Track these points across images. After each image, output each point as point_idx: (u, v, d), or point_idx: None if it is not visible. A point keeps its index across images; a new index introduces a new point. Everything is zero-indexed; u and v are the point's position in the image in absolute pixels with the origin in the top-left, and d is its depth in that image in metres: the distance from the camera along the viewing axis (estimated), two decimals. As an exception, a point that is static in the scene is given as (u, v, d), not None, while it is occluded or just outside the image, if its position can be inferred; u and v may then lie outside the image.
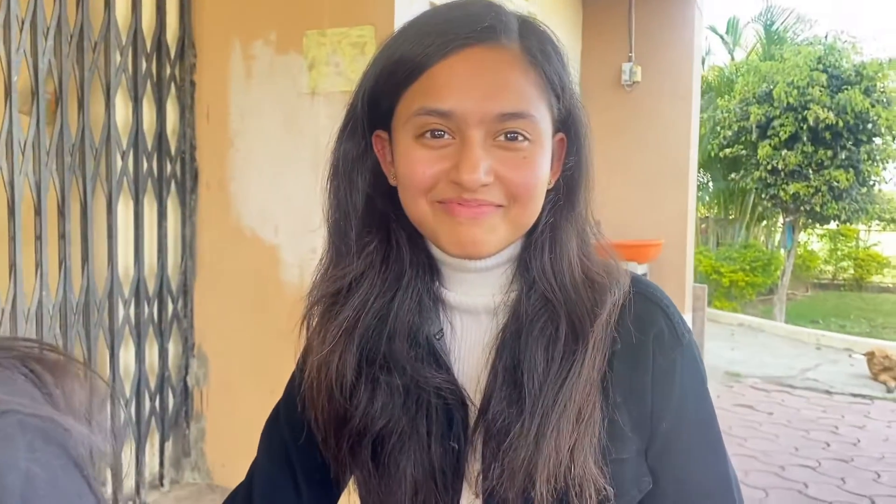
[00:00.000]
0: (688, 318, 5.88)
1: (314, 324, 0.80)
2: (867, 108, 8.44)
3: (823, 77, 8.66)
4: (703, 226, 12.80)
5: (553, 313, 0.72)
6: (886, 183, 9.77)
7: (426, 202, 0.71)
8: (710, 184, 12.05)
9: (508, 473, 0.70)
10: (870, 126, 8.69)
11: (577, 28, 5.63)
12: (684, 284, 5.74)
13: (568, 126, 0.75)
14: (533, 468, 0.69)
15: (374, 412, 0.74)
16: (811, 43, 10.76)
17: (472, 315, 0.78)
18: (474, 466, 0.75)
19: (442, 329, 0.77)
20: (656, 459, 0.75)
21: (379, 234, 0.76)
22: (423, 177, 0.70)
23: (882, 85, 8.78)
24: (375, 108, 0.74)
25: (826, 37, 10.37)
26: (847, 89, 8.56)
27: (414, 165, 0.70)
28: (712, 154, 10.30)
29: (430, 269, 0.78)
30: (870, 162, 8.92)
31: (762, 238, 13.24)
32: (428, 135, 0.69)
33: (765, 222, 12.95)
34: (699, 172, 9.57)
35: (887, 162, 9.17)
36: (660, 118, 5.54)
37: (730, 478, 0.77)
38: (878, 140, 9.02)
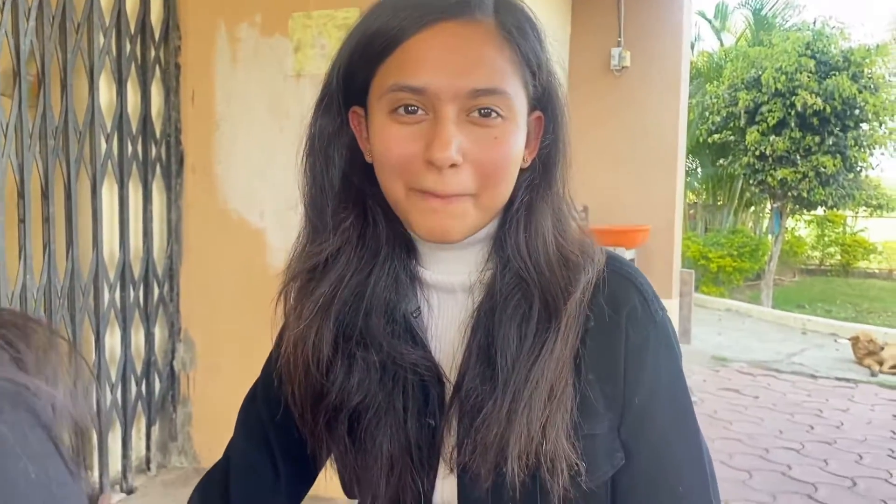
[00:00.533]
0: (675, 303, 5.91)
1: (291, 300, 0.80)
2: (854, 94, 8.46)
3: (811, 63, 8.67)
4: (692, 211, 12.83)
5: (526, 291, 0.73)
6: (873, 169, 9.77)
7: (403, 187, 0.71)
8: (699, 169, 12.07)
9: (481, 450, 0.71)
10: (857, 112, 8.72)
11: (567, 12, 5.61)
12: (672, 270, 5.76)
13: (545, 104, 0.75)
14: (505, 444, 0.70)
15: (350, 387, 0.75)
16: (799, 29, 10.77)
17: (448, 293, 0.78)
18: (449, 442, 0.75)
19: (419, 307, 0.77)
20: (629, 435, 0.75)
21: (355, 210, 0.76)
22: (397, 157, 0.70)
23: (869, 71, 8.80)
24: (351, 83, 0.74)
25: (814, 22, 10.37)
26: (835, 75, 8.57)
27: (388, 143, 0.70)
28: (701, 140, 10.32)
29: (407, 247, 0.78)
30: (857, 148, 8.95)
31: (750, 224, 13.29)
32: (402, 110, 0.69)
33: (753, 208, 13.00)
34: (687, 158, 9.58)
35: (874, 148, 9.20)
36: (648, 103, 5.54)
37: (702, 453, 0.78)
38: (864, 126, 9.05)
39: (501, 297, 0.73)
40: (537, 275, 0.73)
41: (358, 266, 0.75)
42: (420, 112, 0.69)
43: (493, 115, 0.69)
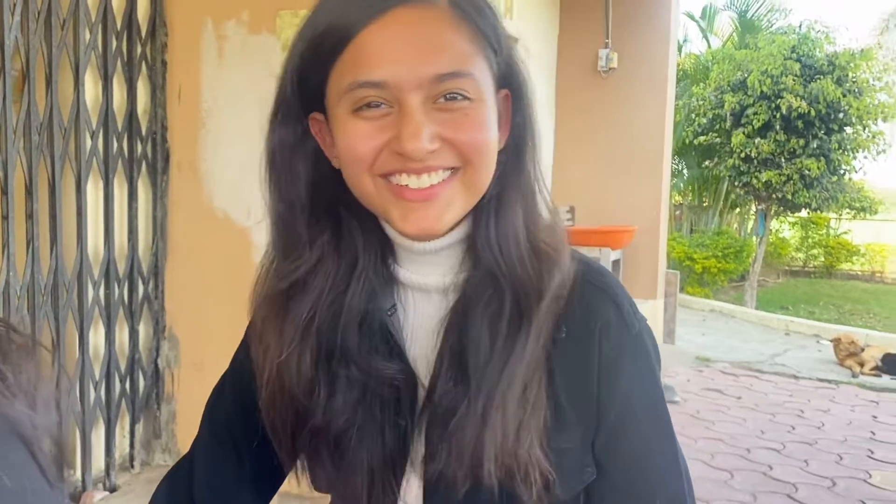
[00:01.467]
0: (660, 303, 5.94)
1: (264, 320, 0.76)
2: (839, 98, 8.54)
3: (797, 66, 8.74)
4: (677, 212, 12.89)
5: (498, 287, 0.70)
6: (856, 172, 9.87)
7: (370, 177, 0.68)
8: (685, 171, 12.14)
9: (456, 453, 0.69)
10: (841, 115, 8.80)
11: (555, 13, 5.63)
12: (657, 270, 5.79)
13: (509, 80, 0.72)
14: (480, 446, 0.68)
15: (335, 409, 0.72)
16: (785, 32, 10.83)
17: (424, 293, 0.75)
18: (419, 449, 0.74)
19: (395, 305, 0.75)
20: (603, 449, 0.73)
21: (329, 222, 0.73)
22: (365, 151, 0.66)
23: (854, 75, 8.87)
24: (305, 87, 0.70)
25: (800, 26, 10.41)
26: (819, 79, 8.65)
27: (354, 141, 0.67)
28: (687, 141, 10.38)
29: (384, 250, 0.75)
30: (840, 151, 9.04)
31: (735, 225, 13.38)
32: (364, 108, 0.66)
33: (738, 210, 13.08)
34: (673, 159, 9.64)
35: (857, 151, 9.28)
36: (635, 105, 5.56)
37: (679, 466, 0.76)
38: (848, 129, 9.13)
39: (474, 295, 0.71)
40: (508, 269, 0.70)
41: (335, 280, 0.72)
42: (384, 106, 0.66)
43: (460, 98, 0.66)
